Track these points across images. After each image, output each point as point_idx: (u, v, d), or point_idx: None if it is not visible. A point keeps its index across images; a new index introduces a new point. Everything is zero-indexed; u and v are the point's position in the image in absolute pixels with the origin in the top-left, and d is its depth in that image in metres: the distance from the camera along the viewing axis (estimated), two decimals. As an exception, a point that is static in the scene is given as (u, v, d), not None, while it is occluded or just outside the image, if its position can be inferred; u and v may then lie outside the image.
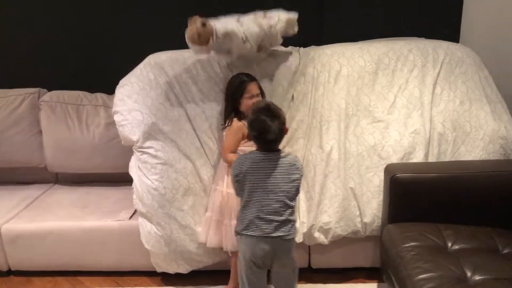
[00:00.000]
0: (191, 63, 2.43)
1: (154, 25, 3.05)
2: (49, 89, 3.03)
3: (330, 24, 2.96)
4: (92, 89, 3.05)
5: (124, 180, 2.92)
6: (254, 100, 2.22)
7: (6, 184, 3.04)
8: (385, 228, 2.09)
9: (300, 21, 2.82)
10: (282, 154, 1.91)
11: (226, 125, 2.32)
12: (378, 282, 2.42)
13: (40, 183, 3.05)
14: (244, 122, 2.27)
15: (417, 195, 2.05)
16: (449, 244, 1.92)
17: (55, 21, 3.07)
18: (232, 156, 2.23)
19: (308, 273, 2.49)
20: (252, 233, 1.86)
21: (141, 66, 2.45)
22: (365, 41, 2.64)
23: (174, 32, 2.99)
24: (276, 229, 1.85)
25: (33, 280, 2.57)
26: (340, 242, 2.36)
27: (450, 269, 1.75)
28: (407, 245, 1.91)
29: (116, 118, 2.39)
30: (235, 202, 2.19)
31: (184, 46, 2.51)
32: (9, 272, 2.61)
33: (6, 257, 2.53)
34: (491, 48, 2.81)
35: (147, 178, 2.29)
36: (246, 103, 2.25)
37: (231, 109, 2.30)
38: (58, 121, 2.87)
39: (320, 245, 2.37)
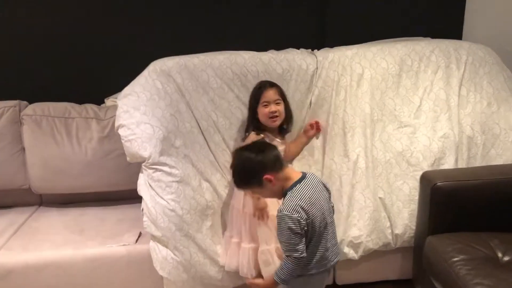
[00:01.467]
0: (201, 69, 2.23)
1: (145, 30, 2.82)
2: (29, 101, 2.72)
3: (332, 25, 2.83)
4: (77, 100, 2.78)
5: (120, 198, 2.71)
6: (272, 108, 2.05)
7: (-18, 209, 2.70)
8: (426, 240, 1.97)
9: (301, 22, 2.70)
10: (311, 173, 1.76)
11: (244, 137, 2.15)
12: (407, 295, 2.31)
13: (21, 206, 2.73)
14: (262, 134, 2.10)
15: (459, 204, 1.95)
16: (500, 255, 1.82)
17: (34, 26, 2.77)
18: None
19: (333, 290, 2.34)
20: (324, 268, 1.69)
21: (145, 74, 2.22)
22: (378, 41, 2.52)
23: (168, 37, 2.83)
24: (336, 254, 1.68)
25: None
26: (367, 255, 2.22)
27: (511, 283, 1.64)
28: (457, 258, 1.79)
29: (122, 132, 2.14)
30: (254, 226, 2.04)
31: (182, 51, 2.32)
32: (0, 312, 2.30)
33: (-5, 296, 2.22)
34: (495, 45, 2.76)
35: (162, 198, 2.06)
36: (262, 112, 2.09)
37: (252, 120, 2.12)
38: (45, 136, 2.57)
39: (346, 260, 2.22)
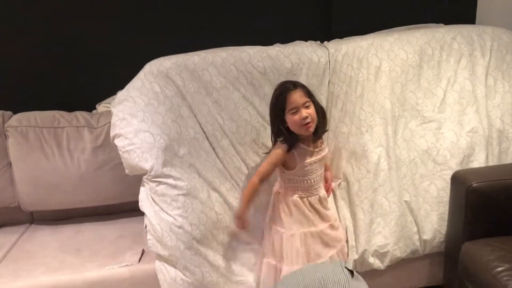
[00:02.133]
0: (203, 68, 2.02)
1: (137, 28, 2.60)
2: (13, 111, 2.49)
3: (338, 13, 2.64)
4: (65, 107, 2.55)
5: (118, 211, 2.51)
6: (303, 114, 1.74)
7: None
8: (463, 247, 1.79)
9: (304, 12, 2.50)
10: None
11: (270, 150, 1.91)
12: (436, 303, 2.14)
13: (11, 225, 2.51)
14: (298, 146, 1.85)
15: (497, 206, 1.77)
16: (548, 262, 1.64)
17: (16, 28, 2.53)
18: (255, 185, 1.83)
19: (356, 302, 2.15)
20: None
21: (141, 76, 2.00)
22: (392, 30, 2.33)
23: (163, 34, 2.61)
24: None
25: None
26: (393, 263, 2.04)
27: None
28: (502, 268, 1.62)
29: (119, 142, 1.93)
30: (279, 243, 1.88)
31: (179, 49, 2.11)
32: None
33: (-13, 330, 2.01)
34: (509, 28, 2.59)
35: (167, 213, 1.85)
36: (291, 120, 1.77)
37: (279, 133, 1.83)
38: (33, 149, 2.34)
39: (370, 270, 2.04)
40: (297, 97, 1.77)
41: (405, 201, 1.99)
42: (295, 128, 1.79)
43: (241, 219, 1.85)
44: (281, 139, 1.83)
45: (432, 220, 1.99)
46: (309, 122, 1.77)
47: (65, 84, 2.64)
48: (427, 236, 1.99)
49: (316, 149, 1.88)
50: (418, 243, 2.00)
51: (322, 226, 1.88)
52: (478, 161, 2.00)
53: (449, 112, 2.06)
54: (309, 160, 1.84)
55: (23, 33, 2.55)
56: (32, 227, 2.51)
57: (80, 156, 2.36)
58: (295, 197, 1.87)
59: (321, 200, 1.90)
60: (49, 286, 1.98)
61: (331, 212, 1.95)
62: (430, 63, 2.10)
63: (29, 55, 2.58)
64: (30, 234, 2.43)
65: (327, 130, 1.95)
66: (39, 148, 2.35)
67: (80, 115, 2.47)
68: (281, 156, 1.83)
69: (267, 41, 2.23)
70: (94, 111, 2.58)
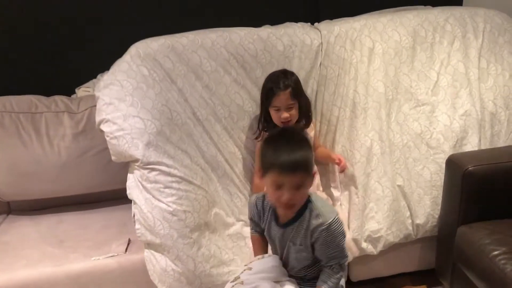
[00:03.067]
0: (192, 50, 1.93)
1: (117, 7, 2.48)
2: (-14, 96, 2.35)
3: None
4: (44, 91, 2.43)
5: (102, 200, 2.42)
6: (283, 115, 1.85)
7: None
8: (458, 231, 1.78)
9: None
10: None
11: (256, 137, 1.94)
12: (428, 286, 2.14)
13: (-14, 216, 2.40)
14: None
15: (493, 189, 1.76)
16: (544, 245, 1.65)
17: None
18: (254, 181, 1.94)
19: (348, 287, 2.13)
20: None
21: (127, 59, 1.90)
22: (384, 11, 2.29)
23: (146, 14, 2.50)
24: None
25: None
26: (386, 248, 2.03)
27: None
28: (499, 251, 1.61)
29: (106, 128, 1.84)
30: None
31: (167, 30, 2.02)
32: None
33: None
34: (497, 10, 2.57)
35: (160, 201, 1.78)
36: (273, 114, 1.90)
37: (264, 116, 1.93)
38: (9, 136, 2.22)
39: (363, 256, 2.02)
40: (283, 99, 1.84)
41: (398, 186, 1.97)
42: (275, 120, 1.90)
43: None
44: (261, 127, 1.93)
45: (425, 204, 1.98)
46: (288, 121, 1.87)
47: (42, 68, 2.50)
48: (420, 220, 1.98)
49: None
50: (410, 228, 1.99)
51: None
52: (471, 144, 1.99)
53: (443, 95, 2.04)
54: None
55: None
56: (10, 218, 2.39)
57: (60, 142, 2.25)
58: None
59: None
60: (31, 280, 1.88)
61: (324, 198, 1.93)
62: (424, 45, 2.07)
63: (1, 37, 2.43)
64: (8, 225, 2.32)
65: (309, 124, 1.97)
66: (16, 135, 2.23)
67: (59, 99, 2.35)
68: (259, 148, 1.89)
69: (254, 21, 2.16)
70: (73, 96, 2.47)
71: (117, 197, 2.31)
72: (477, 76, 2.05)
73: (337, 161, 1.97)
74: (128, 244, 2.05)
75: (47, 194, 2.30)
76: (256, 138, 1.96)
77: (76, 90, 2.49)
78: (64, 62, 2.53)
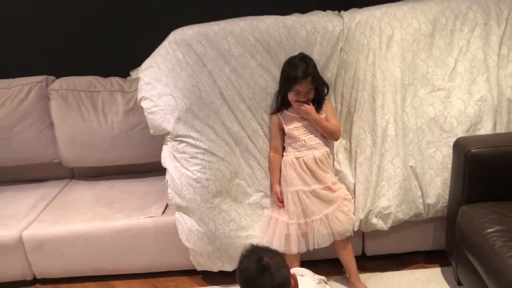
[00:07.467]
0: (222, 37, 2.14)
1: (165, 4, 2.75)
2: (57, 76, 2.73)
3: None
4: (103, 73, 2.77)
5: (148, 170, 2.73)
6: (301, 98, 2.04)
7: (18, 183, 2.78)
8: (460, 210, 1.86)
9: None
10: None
11: (272, 112, 2.16)
12: (441, 266, 2.22)
13: (55, 180, 2.80)
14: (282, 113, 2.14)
15: (495, 172, 1.82)
16: (540, 225, 1.69)
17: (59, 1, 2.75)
18: (271, 157, 2.15)
19: (363, 261, 2.27)
20: None
21: (165, 44, 2.16)
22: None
23: (195, 4, 2.75)
24: None
25: (60, 287, 2.35)
26: (398, 226, 2.14)
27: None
28: (492, 229, 1.68)
29: (145, 104, 2.12)
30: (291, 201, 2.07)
31: (209, 18, 2.24)
32: (35, 281, 2.38)
33: (30, 266, 2.30)
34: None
35: (187, 169, 2.04)
36: (291, 97, 2.08)
37: (281, 96, 2.13)
38: (71, 111, 2.59)
39: (376, 231, 2.15)
40: (304, 85, 2.02)
41: (410, 166, 2.07)
42: (292, 101, 2.08)
43: (273, 192, 2.14)
44: (278, 105, 2.14)
45: (436, 185, 2.06)
46: (306, 102, 2.07)
47: (104, 52, 2.84)
48: (430, 200, 2.07)
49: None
50: (422, 207, 2.09)
51: (316, 186, 2.05)
52: (485, 129, 2.04)
53: (459, 81, 2.09)
54: (294, 124, 2.11)
55: (67, 8, 2.76)
56: (72, 182, 2.78)
57: (113, 118, 2.58)
58: (291, 157, 2.10)
59: (316, 161, 2.06)
60: (83, 231, 2.24)
61: (329, 175, 2.09)
62: (443, 32, 2.12)
63: (72, 26, 2.80)
64: (70, 188, 2.71)
65: (322, 107, 2.13)
66: (77, 110, 2.58)
67: (115, 80, 2.68)
68: (274, 122, 2.14)
69: (287, 8, 2.32)
70: (128, 77, 2.78)
71: (159, 169, 2.57)
72: (496, 63, 2.07)
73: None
74: (166, 208, 2.33)
75: (100, 162, 2.65)
76: (272, 113, 2.15)
77: (131, 73, 2.81)
78: (122, 48, 2.85)
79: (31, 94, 2.60)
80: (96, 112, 2.59)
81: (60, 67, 2.80)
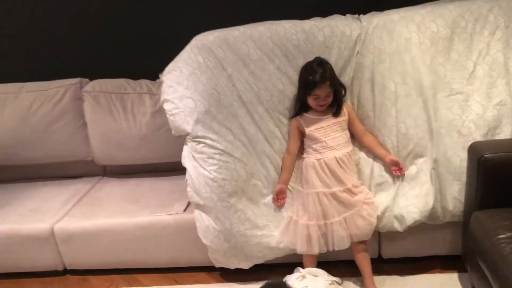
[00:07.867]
0: (241, 41, 2.21)
1: (195, 5, 2.84)
2: (91, 79, 2.89)
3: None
4: (134, 76, 2.90)
5: (173, 169, 2.81)
6: (321, 102, 2.10)
7: (54, 179, 2.95)
8: (472, 216, 1.85)
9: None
10: None
11: (291, 116, 2.21)
12: (457, 272, 2.19)
13: (88, 176, 2.96)
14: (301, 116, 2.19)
15: (510, 178, 1.79)
16: (553, 233, 1.66)
17: (89, 6, 2.90)
18: (284, 158, 2.18)
19: (379, 264, 2.28)
20: None
21: (188, 49, 2.25)
22: (432, 2, 2.33)
23: (218, 11, 2.83)
24: None
25: (89, 279, 2.48)
26: (414, 229, 2.13)
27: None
28: (503, 236, 1.67)
29: (166, 106, 2.22)
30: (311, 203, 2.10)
31: (231, 23, 2.32)
32: (65, 271, 2.53)
33: (61, 257, 2.45)
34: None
35: (204, 169, 2.12)
36: (311, 101, 2.13)
37: (300, 100, 2.17)
38: (103, 112, 2.73)
39: (392, 233, 2.16)
40: (323, 90, 2.08)
41: (432, 169, 2.06)
42: (312, 105, 2.14)
43: (274, 189, 2.18)
44: (297, 109, 2.19)
45: (453, 189, 2.04)
46: (325, 105, 2.13)
47: (136, 56, 2.96)
48: (447, 204, 2.05)
49: (325, 117, 2.14)
50: (439, 210, 2.07)
51: (336, 188, 2.05)
52: (505, 134, 2.00)
53: (478, 85, 2.06)
54: (315, 126, 2.14)
55: (101, 14, 2.91)
56: (104, 179, 2.93)
57: (142, 119, 2.71)
58: (313, 159, 2.12)
59: (338, 161, 2.08)
60: (108, 226, 2.37)
61: (351, 177, 2.10)
62: (462, 35, 2.10)
63: (105, 32, 2.94)
64: (101, 184, 2.85)
65: (340, 112, 2.16)
66: (108, 112, 2.72)
67: (144, 83, 2.81)
68: (294, 125, 2.18)
69: (308, 12, 2.36)
70: (157, 80, 2.89)
71: (183, 168, 2.70)
72: (517, 66, 2.04)
73: (392, 168, 2.11)
74: (187, 206, 2.42)
75: (129, 161, 2.78)
76: (291, 117, 2.20)
77: (160, 76, 2.91)
78: (152, 52, 2.96)
79: (66, 96, 2.77)
80: (126, 113, 2.72)
81: (95, 71, 2.94)
